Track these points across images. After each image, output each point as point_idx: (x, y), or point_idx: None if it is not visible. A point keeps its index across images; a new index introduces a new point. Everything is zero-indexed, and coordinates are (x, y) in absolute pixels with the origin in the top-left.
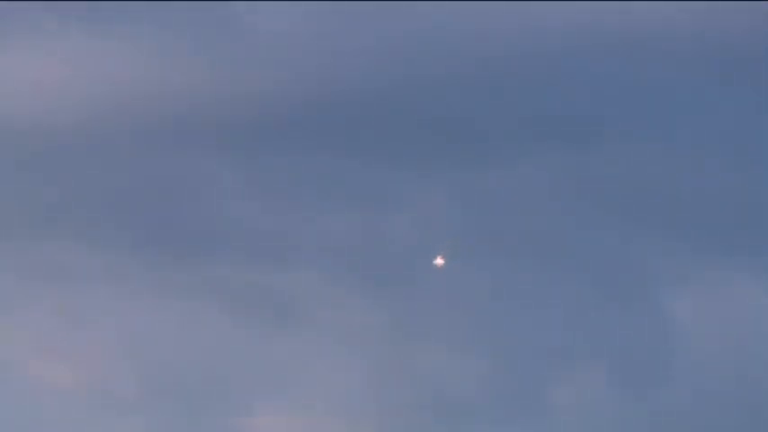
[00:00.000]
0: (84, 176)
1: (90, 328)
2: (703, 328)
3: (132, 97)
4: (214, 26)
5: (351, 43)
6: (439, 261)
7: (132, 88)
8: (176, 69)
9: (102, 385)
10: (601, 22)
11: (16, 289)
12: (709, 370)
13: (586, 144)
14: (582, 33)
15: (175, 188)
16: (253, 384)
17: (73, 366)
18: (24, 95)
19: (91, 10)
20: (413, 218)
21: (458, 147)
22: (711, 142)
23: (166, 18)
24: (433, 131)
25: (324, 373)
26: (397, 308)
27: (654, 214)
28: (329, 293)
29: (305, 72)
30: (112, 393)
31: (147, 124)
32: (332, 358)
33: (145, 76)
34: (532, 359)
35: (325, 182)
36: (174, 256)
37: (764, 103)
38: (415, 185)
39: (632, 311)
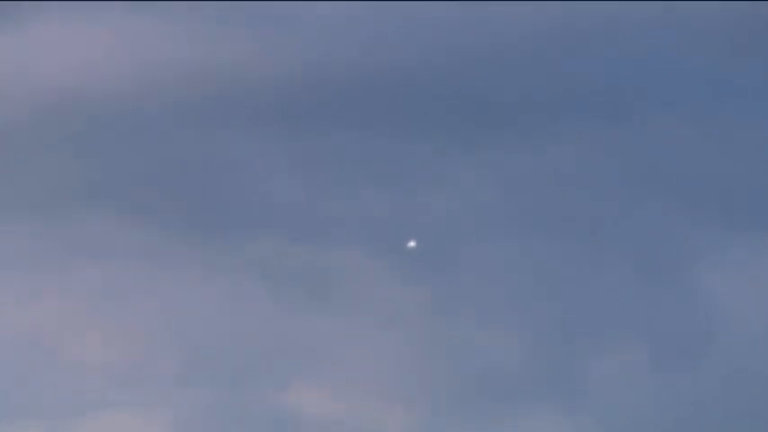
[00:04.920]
0: (127, 153)
1: (131, 305)
2: (742, 304)
3: (175, 74)
4: (257, 5)
5: (390, 22)
6: (411, 244)
7: (175, 65)
8: (220, 46)
9: (143, 363)
10: None
11: (58, 266)
12: (749, 347)
13: (624, 120)
14: (622, 5)
15: (217, 166)
16: (294, 361)
17: (113, 342)
18: (66, 71)
19: None
20: (453, 196)
21: (497, 124)
22: (748, 118)
23: None
24: (473, 109)
25: (365, 350)
26: (437, 286)
27: (693, 190)
28: (370, 271)
29: (346, 51)
30: (153, 371)
31: (189, 101)
32: (373, 335)
33: (187, 52)
34: (571, 336)
35: (366, 160)
36: (215, 233)
37: None
38: (456, 164)
39: (671, 288)
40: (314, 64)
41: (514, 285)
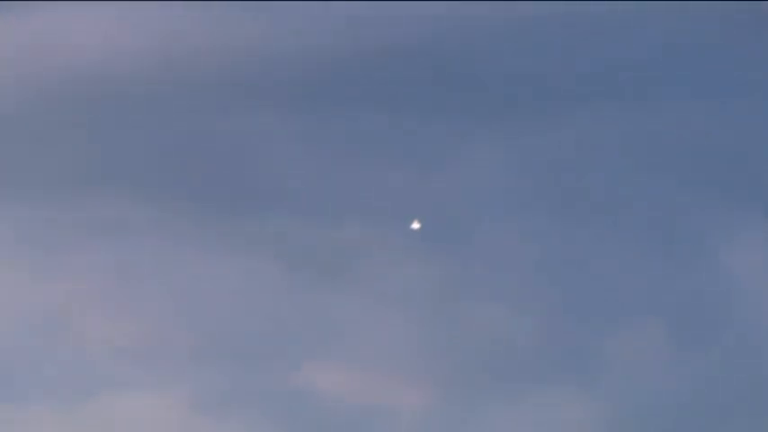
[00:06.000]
0: (140, 131)
1: (144, 283)
2: (761, 283)
3: (188, 52)
4: None
5: (403, 1)
6: (415, 225)
7: (187, 43)
8: (232, 24)
9: (158, 342)
10: None
11: (73, 245)
12: (767, 325)
13: (641, 98)
14: None
15: (231, 144)
16: (308, 339)
17: (126, 322)
18: (77, 50)
19: None
20: (468, 174)
21: (517, 106)
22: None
23: None
24: (487, 89)
25: (380, 328)
26: (451, 265)
27: (710, 168)
28: (385, 249)
29: (360, 28)
30: (168, 350)
31: (203, 79)
32: (388, 314)
33: (200, 30)
34: (587, 315)
35: (380, 139)
36: (228, 212)
37: None
38: (470, 143)
39: (688, 266)
40: (327, 41)
41: (529, 264)
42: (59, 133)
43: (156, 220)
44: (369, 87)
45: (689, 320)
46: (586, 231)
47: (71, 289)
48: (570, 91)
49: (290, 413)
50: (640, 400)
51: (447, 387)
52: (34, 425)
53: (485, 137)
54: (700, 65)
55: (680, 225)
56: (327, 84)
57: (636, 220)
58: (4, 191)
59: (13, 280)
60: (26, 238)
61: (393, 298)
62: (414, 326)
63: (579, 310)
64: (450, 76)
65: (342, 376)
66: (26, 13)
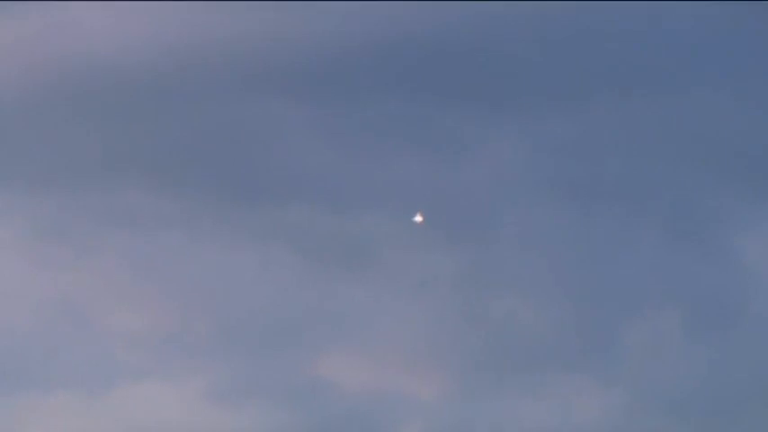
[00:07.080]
0: (158, 124)
1: (163, 275)
2: None
3: (206, 45)
4: None
5: None
6: (418, 218)
7: (205, 35)
8: (250, 18)
9: (175, 330)
10: None
11: (90, 236)
12: None
13: (661, 92)
14: None
15: (248, 135)
16: (325, 329)
17: (145, 311)
18: (99, 44)
19: None
20: (486, 164)
21: (534, 93)
22: None
23: None
24: (509, 78)
25: (396, 318)
26: (469, 253)
27: (727, 159)
28: (402, 238)
29: (377, 17)
30: (184, 338)
31: (220, 71)
32: (403, 302)
33: (218, 23)
34: (607, 305)
35: (398, 127)
36: (246, 201)
37: None
38: (490, 131)
39: (705, 257)
40: (344, 34)
41: (546, 253)
42: (81, 125)
43: (173, 213)
44: (386, 79)
45: (707, 311)
46: (606, 223)
47: (91, 279)
48: (594, 82)
49: (306, 402)
50: (659, 389)
51: (465, 376)
52: (56, 413)
53: (507, 127)
54: (726, 60)
55: (700, 217)
56: (345, 76)
57: (655, 212)
58: (23, 185)
59: (34, 273)
60: (46, 232)
61: (411, 288)
62: (432, 316)
63: (598, 300)
64: (468, 65)
65: (359, 366)
66: (41, 11)
